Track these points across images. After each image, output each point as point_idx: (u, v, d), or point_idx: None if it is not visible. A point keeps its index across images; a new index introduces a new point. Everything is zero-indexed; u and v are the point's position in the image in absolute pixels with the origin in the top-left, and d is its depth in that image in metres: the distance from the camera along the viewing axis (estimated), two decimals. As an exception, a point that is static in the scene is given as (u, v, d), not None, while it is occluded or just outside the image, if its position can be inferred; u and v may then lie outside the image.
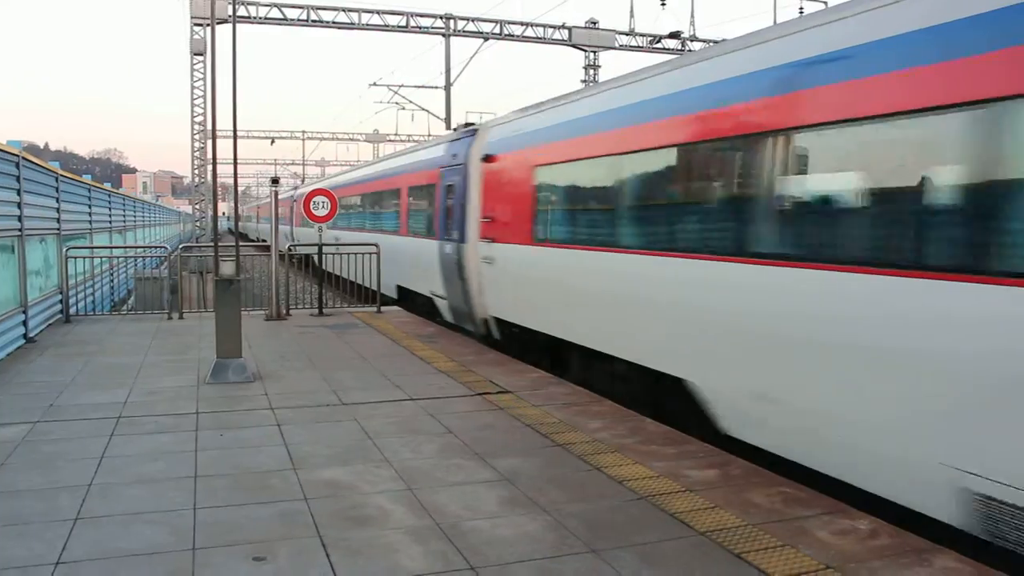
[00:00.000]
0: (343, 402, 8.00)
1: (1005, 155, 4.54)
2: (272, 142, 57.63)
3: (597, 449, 6.39)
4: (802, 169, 6.17)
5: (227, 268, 9.05)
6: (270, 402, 7.97)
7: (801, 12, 26.57)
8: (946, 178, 4.95)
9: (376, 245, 15.40)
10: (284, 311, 14.58)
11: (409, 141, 54.92)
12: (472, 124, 13.86)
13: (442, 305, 13.84)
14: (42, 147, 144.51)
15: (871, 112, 5.35)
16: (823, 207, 5.94)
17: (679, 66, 8.04)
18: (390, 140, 57.62)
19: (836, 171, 5.92)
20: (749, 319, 6.32)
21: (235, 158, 9.42)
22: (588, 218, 9.21)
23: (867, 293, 5.24)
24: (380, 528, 4.81)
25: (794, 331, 5.88)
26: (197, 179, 27.44)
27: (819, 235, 5.87)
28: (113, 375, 9.16)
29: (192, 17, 21.93)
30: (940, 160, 5.09)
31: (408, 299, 15.87)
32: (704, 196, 7.21)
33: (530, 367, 9.88)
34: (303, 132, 59.47)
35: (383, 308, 15.63)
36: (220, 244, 9.60)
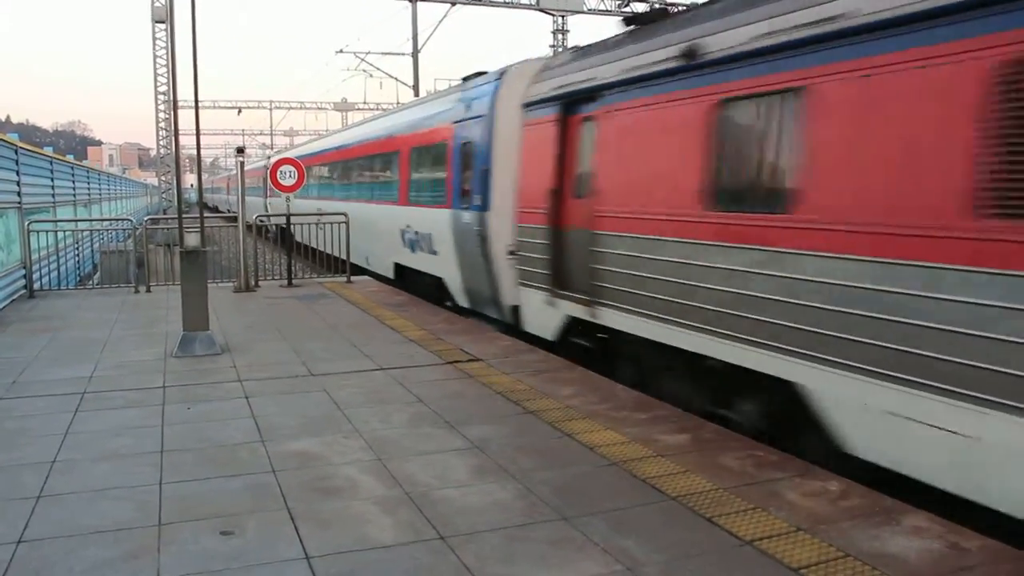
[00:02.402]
0: (312, 373, 7.92)
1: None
2: (239, 112, 56.75)
3: (568, 416, 6.37)
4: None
5: (192, 239, 8.89)
6: (238, 374, 7.87)
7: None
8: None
9: (345, 214, 15.39)
10: (253, 282, 14.41)
11: (377, 109, 54.51)
12: (272, 152, 28.60)
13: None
14: (3, 120, 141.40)
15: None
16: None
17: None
18: (359, 108, 56.91)
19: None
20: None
21: (197, 128, 9.22)
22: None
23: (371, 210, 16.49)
24: (349, 499, 4.76)
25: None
26: (163, 150, 26.95)
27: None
28: (78, 350, 9.00)
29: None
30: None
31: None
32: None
33: (501, 335, 9.84)
34: (271, 102, 58.60)
35: (353, 278, 15.49)
36: (185, 216, 9.43)
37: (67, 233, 18.36)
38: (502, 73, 10.83)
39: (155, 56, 23.92)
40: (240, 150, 14.79)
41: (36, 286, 13.96)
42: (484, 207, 10.60)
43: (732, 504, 4.63)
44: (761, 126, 6.20)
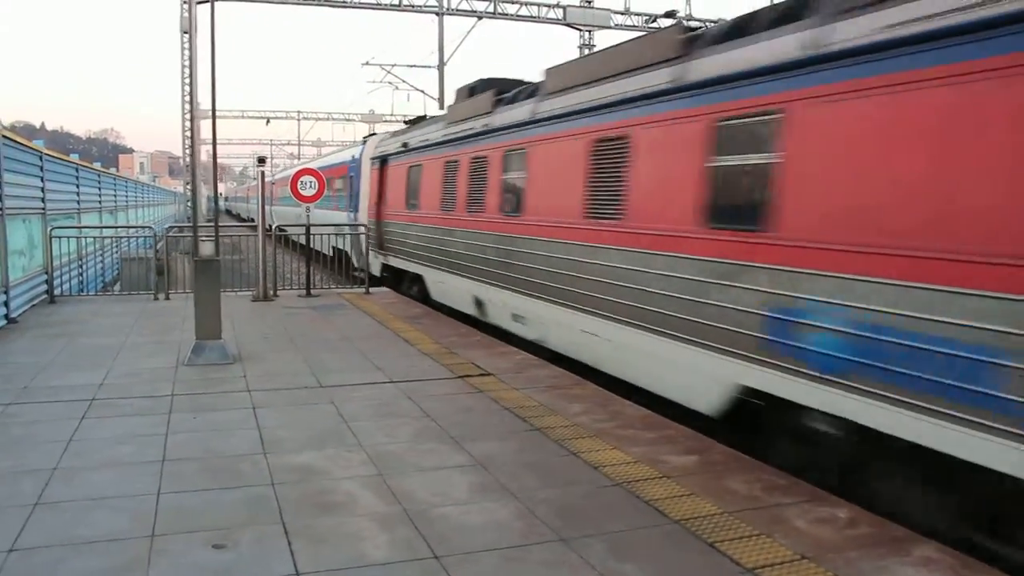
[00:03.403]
0: (322, 384, 7.87)
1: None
2: (268, 122, 57.14)
3: (576, 433, 6.27)
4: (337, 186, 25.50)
5: (206, 248, 8.89)
6: (248, 384, 7.84)
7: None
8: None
9: (364, 226, 15.59)
10: (272, 292, 14.43)
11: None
12: (293, 165, 30.86)
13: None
14: (38, 127, 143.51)
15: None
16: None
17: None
18: (386, 120, 57.11)
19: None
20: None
21: (214, 136, 9.25)
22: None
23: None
24: (347, 515, 4.69)
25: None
26: (189, 158, 27.22)
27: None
28: (92, 356, 9.02)
29: (182, -6, 21.65)
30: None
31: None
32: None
33: (515, 349, 9.75)
34: (299, 112, 58.92)
35: (372, 289, 15.49)
36: (202, 224, 9.44)
37: (91, 240, 18.54)
38: (366, 140, 20.99)
39: (183, 66, 24.18)
40: (261, 160, 14.84)
41: (59, 291, 14.08)
42: (356, 211, 20.59)
43: (736, 529, 4.51)
44: (416, 177, 14.44)
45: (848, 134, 5.32)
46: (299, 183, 14.62)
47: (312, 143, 69.98)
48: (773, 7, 6.43)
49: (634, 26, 25.83)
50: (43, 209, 13.98)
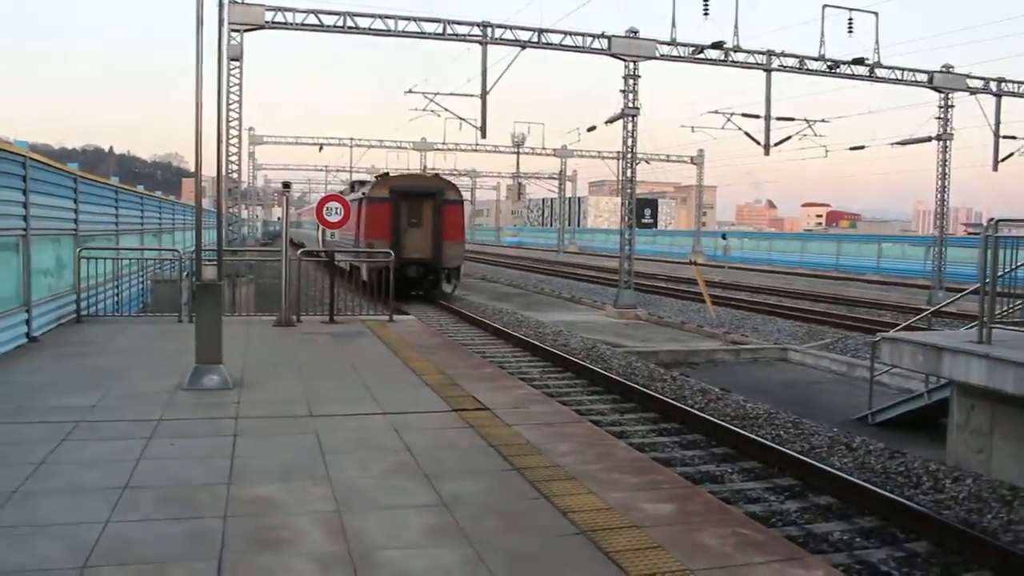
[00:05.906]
0: (312, 414, 7.72)
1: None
2: (320, 149, 58.11)
3: (554, 475, 5.99)
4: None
5: (208, 272, 8.86)
6: (238, 411, 7.72)
7: (850, 22, 26.08)
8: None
9: (391, 253, 15.49)
10: (294, 317, 14.40)
11: (457, 150, 55.71)
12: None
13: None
14: (107, 150, 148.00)
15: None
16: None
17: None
18: (437, 149, 57.59)
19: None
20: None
21: (219, 158, 9.25)
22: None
23: None
24: (288, 554, 4.50)
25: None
26: (233, 183, 27.64)
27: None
28: (96, 377, 9.03)
29: (229, 23, 22.03)
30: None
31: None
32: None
33: (521, 383, 9.52)
34: (351, 140, 59.76)
35: (397, 317, 15.37)
36: (210, 248, 9.43)
37: (130, 262, 18.78)
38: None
39: (228, 91, 24.60)
40: (286, 185, 14.93)
41: (92, 311, 14.25)
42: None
43: (694, 588, 4.21)
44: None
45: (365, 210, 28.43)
46: (324, 209, 14.65)
47: (366, 170, 70.86)
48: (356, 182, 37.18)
49: (679, 57, 25.55)
50: (75, 230, 14.18)
